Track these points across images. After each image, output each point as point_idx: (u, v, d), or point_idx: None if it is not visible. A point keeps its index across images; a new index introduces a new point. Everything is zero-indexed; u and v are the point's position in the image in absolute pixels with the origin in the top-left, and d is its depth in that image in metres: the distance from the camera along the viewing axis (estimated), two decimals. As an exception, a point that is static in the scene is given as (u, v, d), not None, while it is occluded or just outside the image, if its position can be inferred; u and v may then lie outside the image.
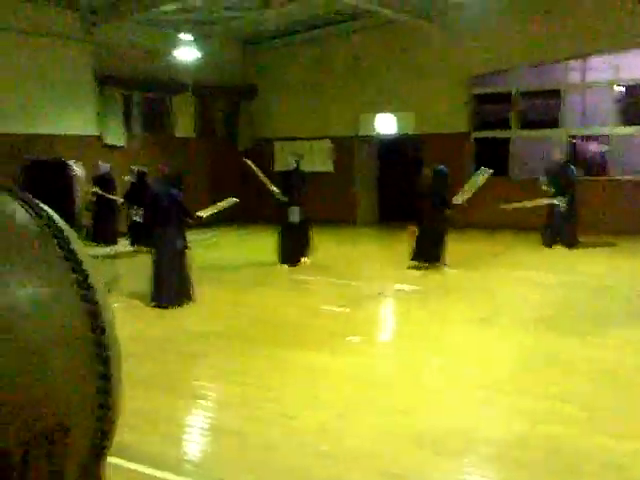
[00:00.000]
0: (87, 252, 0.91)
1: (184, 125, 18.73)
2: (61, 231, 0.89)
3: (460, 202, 11.19)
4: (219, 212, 10.24)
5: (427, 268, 11.20)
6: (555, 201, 12.94)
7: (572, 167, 13.44)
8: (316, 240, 12.06)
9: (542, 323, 7.75)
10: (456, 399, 5.50)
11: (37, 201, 0.91)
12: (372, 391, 5.73)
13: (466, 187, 11.38)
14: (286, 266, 11.61)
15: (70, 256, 0.87)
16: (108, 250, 13.93)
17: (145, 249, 13.61)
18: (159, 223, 8.72)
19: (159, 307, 8.70)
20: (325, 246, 12.76)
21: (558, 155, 13.73)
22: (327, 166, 18.96)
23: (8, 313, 0.77)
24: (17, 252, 0.83)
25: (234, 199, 10.57)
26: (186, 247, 8.81)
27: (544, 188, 13.14)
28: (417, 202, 11.55)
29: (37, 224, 0.87)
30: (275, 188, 11.68)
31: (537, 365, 6.38)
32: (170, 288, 8.70)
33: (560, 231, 13.19)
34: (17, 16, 14.69)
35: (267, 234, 13.07)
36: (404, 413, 5.16)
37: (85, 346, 0.83)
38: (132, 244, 13.93)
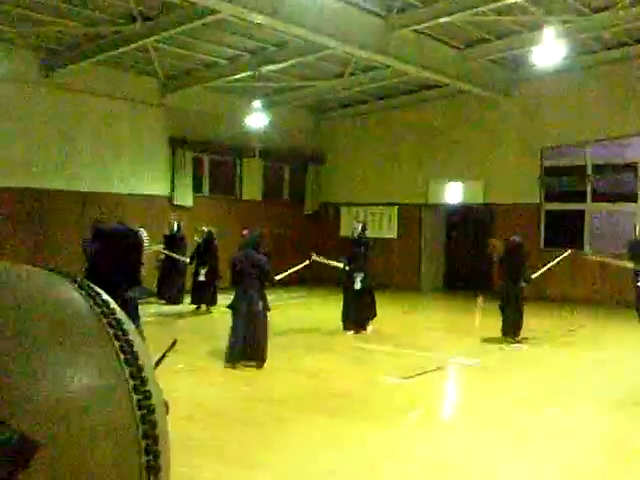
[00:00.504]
0: (144, 345, 0.97)
1: (251, 188, 18.97)
2: (119, 323, 0.92)
3: (534, 277, 11.35)
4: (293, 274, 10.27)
5: (502, 341, 10.85)
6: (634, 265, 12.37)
7: None
8: (380, 307, 11.78)
9: (617, 408, 7.30)
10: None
11: (98, 291, 0.95)
12: (430, 474, 5.35)
13: (548, 265, 11.83)
14: (349, 333, 11.38)
15: (126, 348, 0.89)
16: (173, 309, 14.05)
17: (206, 309, 13.66)
18: (239, 285, 8.87)
19: (232, 367, 8.66)
20: (389, 313, 12.48)
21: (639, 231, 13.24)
22: (392, 232, 18.86)
23: (60, 403, 0.79)
24: (74, 343, 0.87)
25: (307, 262, 10.76)
26: (267, 309, 8.92)
27: (630, 267, 12.52)
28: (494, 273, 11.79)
29: (96, 316, 0.91)
30: (342, 264, 11.57)
31: (615, 457, 5.86)
32: (241, 348, 8.70)
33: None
34: (97, 79, 15.25)
35: (333, 298, 12.90)
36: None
37: (134, 439, 0.85)
38: (193, 302, 13.93)
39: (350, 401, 7.45)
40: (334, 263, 11.53)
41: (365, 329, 11.58)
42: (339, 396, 7.64)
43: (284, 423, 6.63)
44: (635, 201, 15.93)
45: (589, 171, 16.44)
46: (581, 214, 16.51)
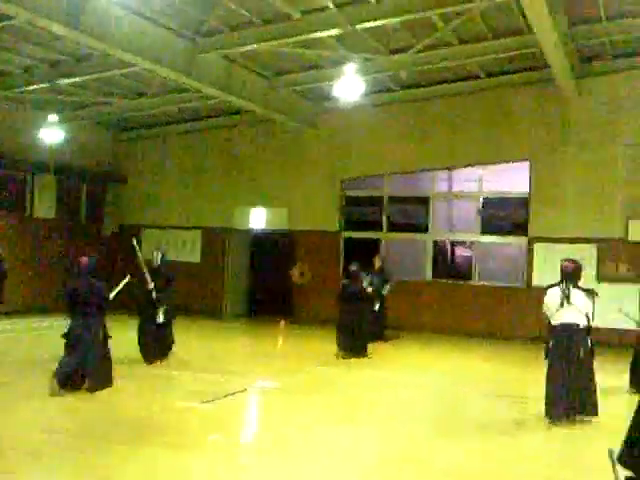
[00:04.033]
0: None
1: (44, 206, 17.82)
2: None
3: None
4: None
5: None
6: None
7: (385, 271, 14.74)
8: (182, 333, 11.44)
9: (399, 424, 7.71)
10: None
11: None
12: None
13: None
14: (149, 362, 10.84)
15: None
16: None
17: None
18: (77, 313, 8.54)
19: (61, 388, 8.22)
20: (191, 340, 12.18)
21: (377, 262, 14.87)
22: (195, 256, 18.60)
23: None
24: None
25: (128, 277, 10.07)
26: (108, 336, 8.78)
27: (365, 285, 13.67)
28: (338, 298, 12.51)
29: None
30: (149, 278, 10.96)
31: (399, 468, 6.09)
32: (69, 376, 8.38)
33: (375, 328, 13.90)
34: None
35: (131, 324, 12.30)
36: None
37: None
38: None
39: (147, 428, 7.09)
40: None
41: (166, 358, 11.09)
42: (136, 424, 7.26)
43: (74, 453, 6.14)
44: (426, 231, 17.04)
45: (385, 202, 17.35)
46: (377, 242, 17.31)
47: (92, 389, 8.43)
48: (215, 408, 8.13)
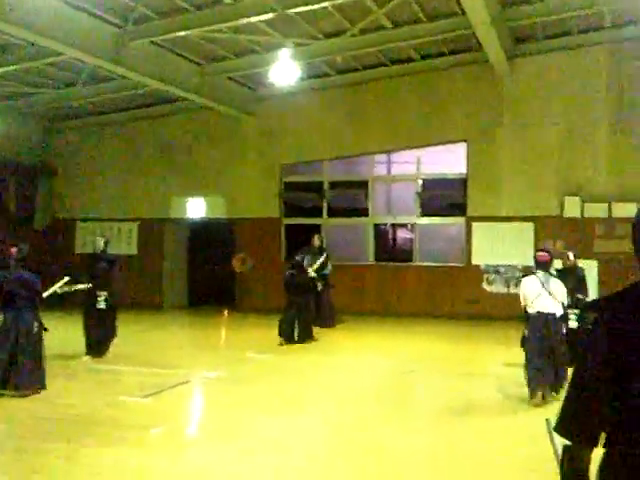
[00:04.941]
0: None
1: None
2: None
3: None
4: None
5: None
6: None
7: (325, 250, 14.70)
8: (121, 327, 11.19)
9: (349, 410, 7.67)
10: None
11: None
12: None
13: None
14: (90, 356, 10.58)
15: None
16: None
17: None
18: (9, 306, 8.15)
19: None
20: (131, 332, 11.96)
21: (317, 241, 14.78)
22: (131, 248, 18.24)
23: None
24: None
25: (66, 278, 9.93)
26: (44, 329, 8.33)
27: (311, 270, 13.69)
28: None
29: None
30: (81, 285, 10.67)
31: (352, 456, 6.07)
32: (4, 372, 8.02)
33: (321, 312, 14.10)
34: None
35: (71, 320, 12.00)
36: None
37: None
38: None
39: (89, 424, 6.90)
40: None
41: (106, 353, 10.83)
42: (78, 421, 7.06)
43: (10, 455, 5.94)
44: (367, 215, 17.09)
45: (325, 187, 17.32)
46: (318, 228, 17.24)
47: (20, 389, 7.99)
48: (158, 401, 7.99)
